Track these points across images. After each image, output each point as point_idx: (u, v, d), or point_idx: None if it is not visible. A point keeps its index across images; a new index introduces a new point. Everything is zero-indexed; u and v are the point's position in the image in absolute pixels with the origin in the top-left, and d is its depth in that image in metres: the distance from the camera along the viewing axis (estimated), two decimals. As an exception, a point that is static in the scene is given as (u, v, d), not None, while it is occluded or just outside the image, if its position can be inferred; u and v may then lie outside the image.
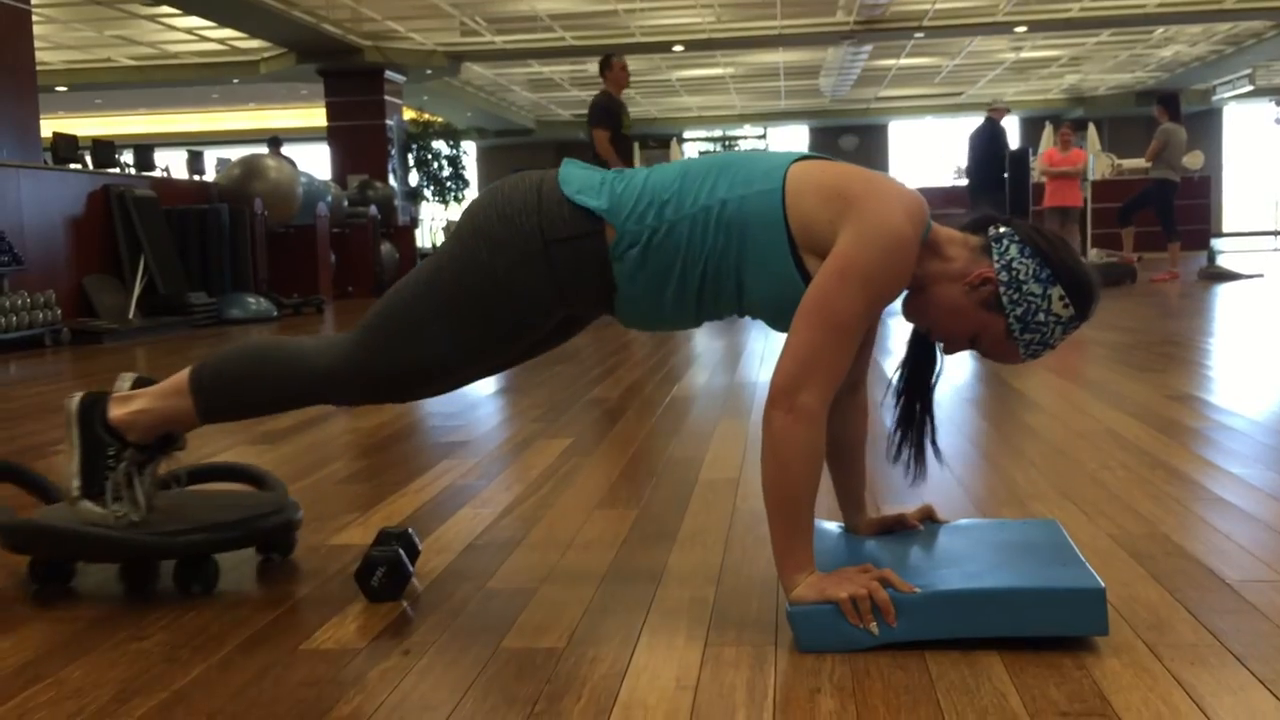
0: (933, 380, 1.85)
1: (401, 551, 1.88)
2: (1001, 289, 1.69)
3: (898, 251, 1.63)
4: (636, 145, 18.68)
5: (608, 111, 7.94)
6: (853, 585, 1.58)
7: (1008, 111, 11.68)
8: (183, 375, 1.92)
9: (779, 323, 1.73)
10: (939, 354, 1.84)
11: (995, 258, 1.71)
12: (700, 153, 21.10)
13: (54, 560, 1.98)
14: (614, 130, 7.88)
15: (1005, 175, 10.89)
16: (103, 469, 1.92)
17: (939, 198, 14.62)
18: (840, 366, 1.63)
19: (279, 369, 1.87)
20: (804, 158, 1.75)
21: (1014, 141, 11.49)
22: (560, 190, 1.75)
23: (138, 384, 1.97)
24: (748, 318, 1.83)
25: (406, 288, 1.81)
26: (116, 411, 1.93)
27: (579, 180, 1.77)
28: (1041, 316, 1.69)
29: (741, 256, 1.69)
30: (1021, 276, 1.69)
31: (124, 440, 1.92)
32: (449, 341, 1.78)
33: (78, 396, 1.94)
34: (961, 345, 1.77)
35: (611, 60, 8.22)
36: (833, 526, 1.97)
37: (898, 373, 1.86)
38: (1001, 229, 1.74)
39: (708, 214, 1.69)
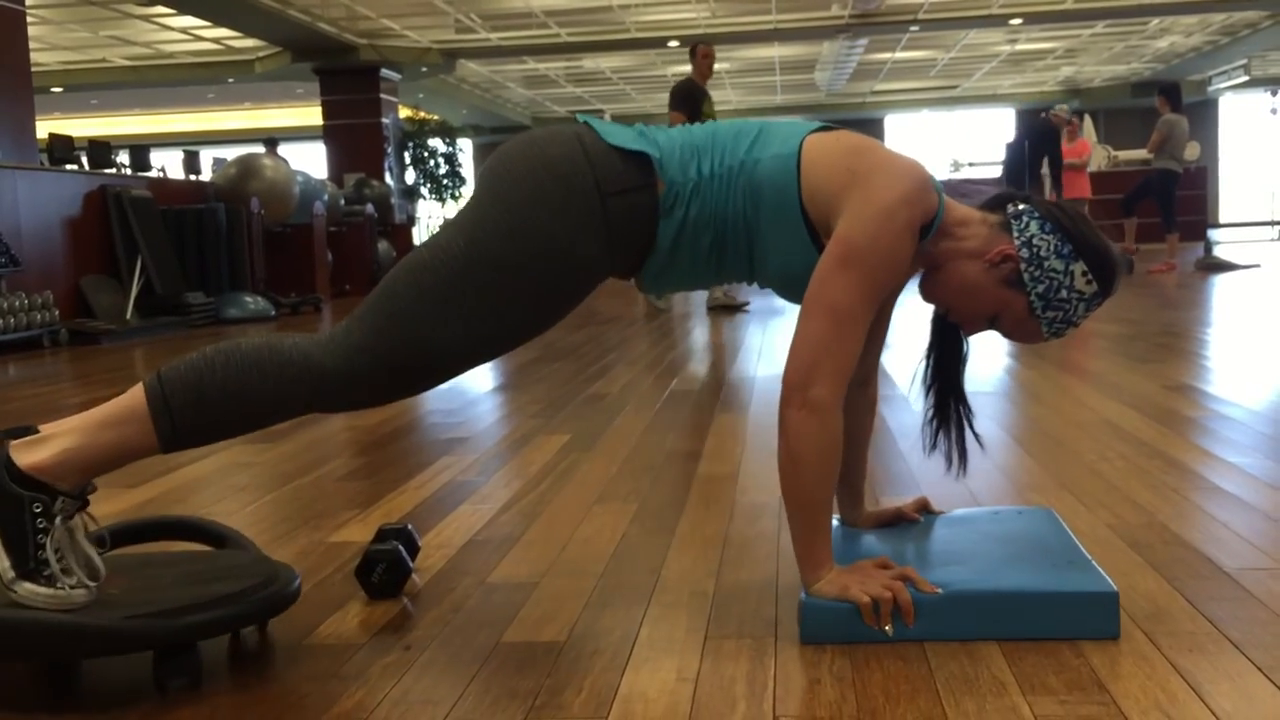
0: (961, 368, 1.82)
1: (401, 548, 1.88)
2: (1023, 265, 1.66)
3: (893, 236, 1.60)
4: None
5: (688, 97, 7.90)
6: (875, 585, 1.57)
7: (1062, 118, 11.81)
8: (131, 400, 1.55)
9: (786, 292, 1.71)
10: (965, 340, 1.81)
11: (1015, 234, 1.68)
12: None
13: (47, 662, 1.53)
14: (690, 116, 7.82)
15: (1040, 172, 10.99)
16: (32, 534, 1.49)
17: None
18: (849, 356, 1.61)
19: (278, 379, 1.57)
20: (824, 128, 1.73)
21: (1010, 134, 11.52)
22: (605, 141, 1.65)
23: (19, 434, 1.55)
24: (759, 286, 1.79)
25: (439, 259, 1.59)
26: (31, 458, 1.51)
27: (619, 131, 1.68)
28: (1064, 293, 1.66)
29: (756, 221, 1.66)
30: (1043, 252, 1.66)
31: (53, 490, 1.51)
32: (498, 315, 1.60)
33: None
34: (982, 325, 1.74)
35: (697, 47, 8.15)
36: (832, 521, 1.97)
37: (924, 363, 1.84)
38: (1021, 205, 1.71)
39: (731, 174, 1.66)
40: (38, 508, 1.49)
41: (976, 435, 1.84)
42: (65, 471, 1.52)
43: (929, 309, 1.79)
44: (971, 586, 1.59)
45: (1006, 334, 1.74)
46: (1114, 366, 4.32)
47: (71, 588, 1.49)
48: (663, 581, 1.89)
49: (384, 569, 1.86)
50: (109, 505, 2.59)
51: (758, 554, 2.03)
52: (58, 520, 1.50)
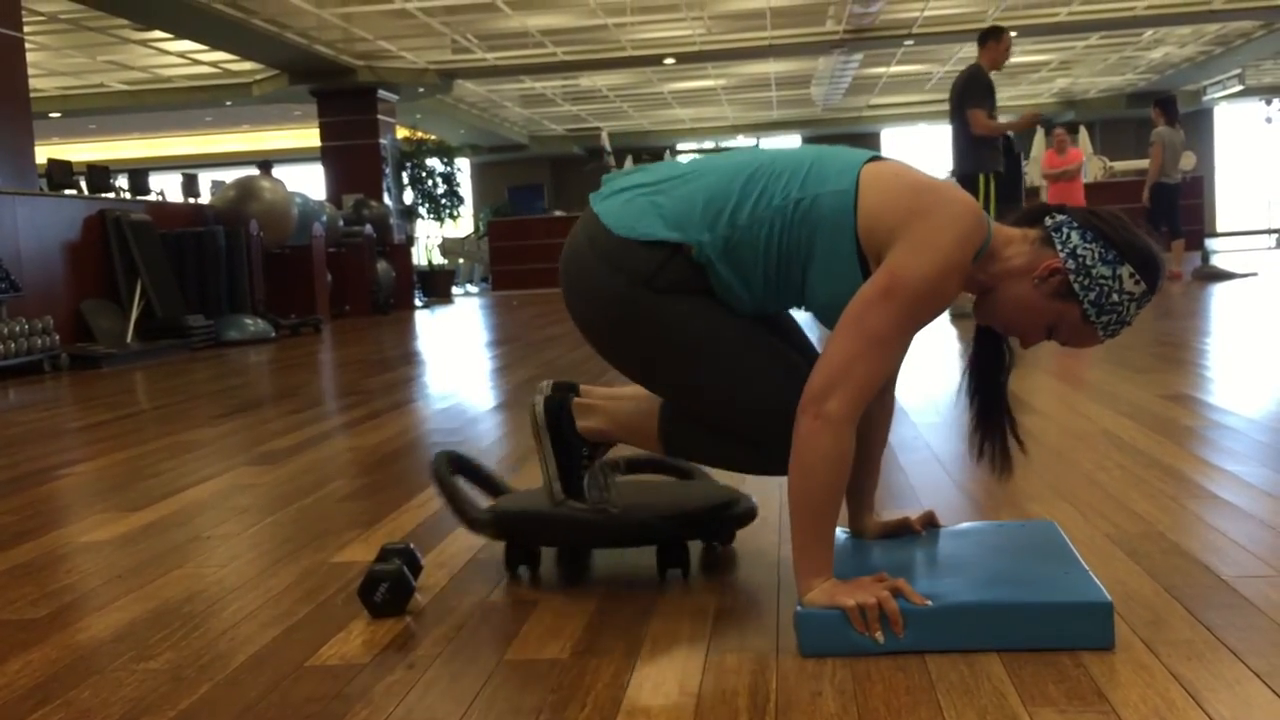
0: (1005, 375, 1.85)
1: (404, 567, 1.89)
2: (1071, 277, 1.70)
3: (945, 276, 1.65)
4: (630, 158, 18.74)
5: (990, 91, 7.41)
6: (864, 594, 1.59)
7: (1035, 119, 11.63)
8: (651, 426, 1.93)
9: (830, 319, 1.74)
10: (1008, 347, 1.84)
11: (1058, 246, 1.71)
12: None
13: (528, 548, 2.09)
14: (989, 108, 7.40)
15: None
16: (578, 469, 2.02)
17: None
18: (875, 380, 1.65)
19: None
20: (875, 158, 1.77)
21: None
22: (617, 236, 1.78)
23: (557, 389, 2.06)
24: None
25: (680, 377, 1.84)
26: (583, 422, 2.01)
27: (625, 215, 1.80)
28: (1115, 297, 1.70)
29: (810, 253, 1.72)
30: (1088, 261, 1.69)
31: (592, 445, 2.02)
32: (742, 380, 1.79)
33: (541, 401, 2.03)
34: (1039, 337, 1.78)
35: (1000, 34, 7.52)
36: (839, 532, 1.98)
37: (966, 373, 1.86)
38: (1058, 217, 1.74)
39: (785, 212, 1.71)
40: (585, 451, 2.02)
41: (1021, 442, 1.86)
42: (598, 436, 2.02)
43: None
44: (966, 598, 1.60)
45: (1064, 342, 1.78)
46: (1112, 376, 4.33)
47: (595, 503, 2.01)
48: (664, 596, 1.90)
49: (387, 588, 1.86)
50: (111, 529, 2.59)
51: (759, 565, 2.04)
52: (597, 464, 2.03)
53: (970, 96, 7.43)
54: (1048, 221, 1.75)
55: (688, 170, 1.83)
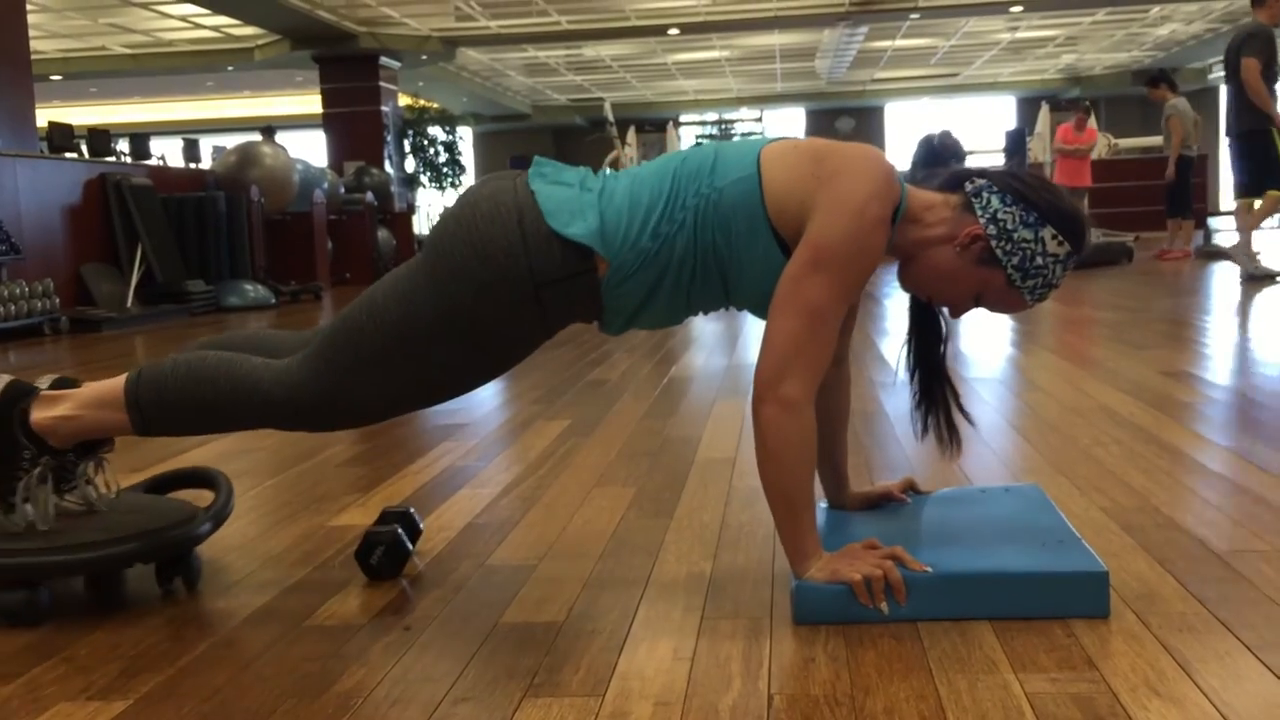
0: (942, 349, 1.84)
1: (400, 530, 1.90)
2: (992, 242, 1.68)
3: (867, 234, 1.61)
4: (632, 129, 18.68)
5: (1266, 41, 7.42)
6: (866, 565, 1.59)
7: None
8: (117, 386, 1.78)
9: (763, 310, 1.71)
10: (943, 321, 1.83)
11: (979, 212, 1.69)
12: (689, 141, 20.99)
13: None
14: (1267, 62, 7.36)
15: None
16: (15, 470, 1.78)
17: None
18: (822, 354, 1.62)
19: (228, 396, 1.72)
20: (773, 140, 1.73)
21: (1011, 122, 11.44)
22: (546, 224, 1.64)
23: (57, 385, 1.83)
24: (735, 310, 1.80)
25: (373, 323, 1.69)
26: (41, 414, 1.79)
27: (565, 209, 1.66)
28: (1040, 260, 1.68)
29: (728, 248, 1.66)
30: (1009, 225, 1.67)
31: (42, 445, 1.79)
32: (426, 378, 1.71)
33: (2, 383, 1.81)
34: (968, 306, 1.75)
35: None
36: (821, 508, 1.98)
37: (905, 348, 1.85)
38: (979, 182, 1.72)
39: (696, 214, 1.66)
40: (27, 454, 1.79)
41: (966, 414, 1.86)
42: (56, 432, 1.79)
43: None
44: (963, 567, 1.61)
45: (991, 308, 1.76)
46: (1112, 353, 4.34)
47: (14, 522, 1.77)
48: (660, 563, 1.91)
49: (383, 551, 1.87)
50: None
51: (754, 537, 2.05)
52: (38, 470, 1.78)
53: (1249, 48, 7.41)
54: (968, 186, 1.72)
55: (624, 183, 1.73)
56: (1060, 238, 1.68)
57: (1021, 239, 1.67)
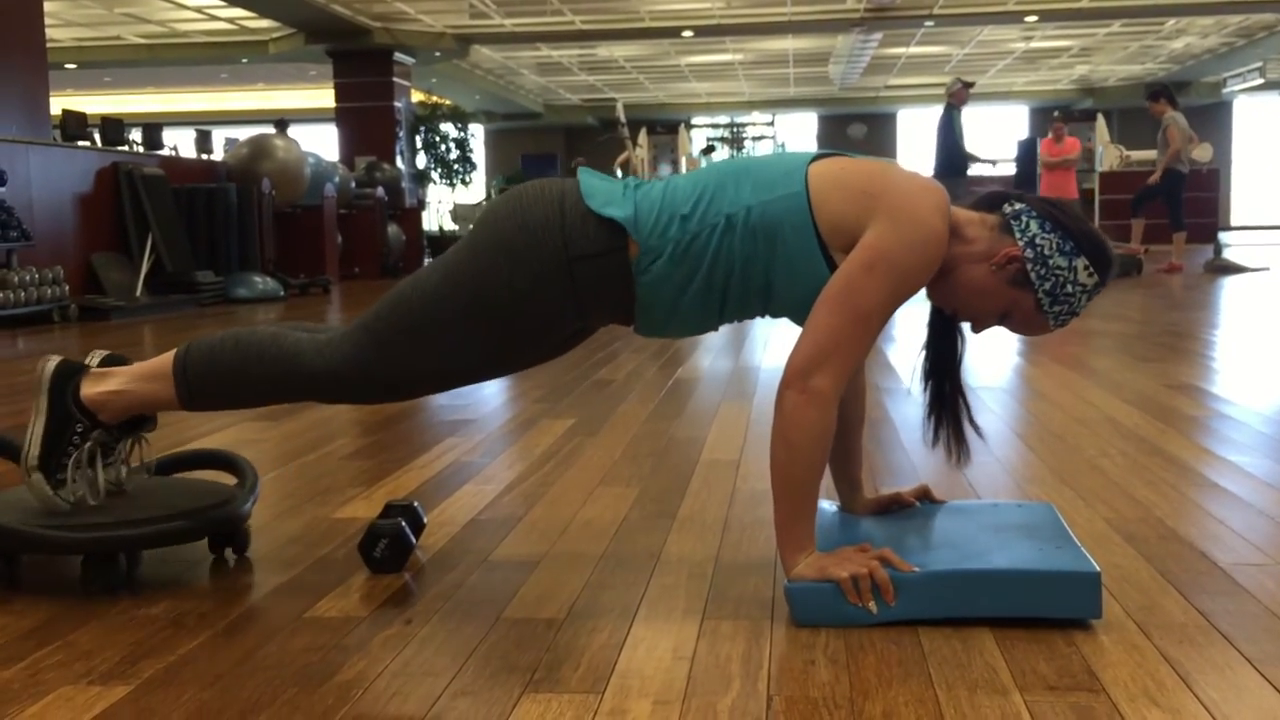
0: (958, 360, 1.86)
1: (404, 524, 1.90)
2: (1028, 265, 1.71)
3: (929, 246, 1.65)
4: (644, 130, 18.67)
5: None
6: (853, 565, 1.60)
7: (966, 92, 11.35)
8: (166, 360, 1.84)
9: (804, 318, 1.73)
10: (960, 333, 1.85)
11: (1018, 234, 1.73)
12: (705, 151, 20.95)
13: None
14: None
15: (967, 165, 10.71)
16: (66, 445, 1.83)
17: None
18: (858, 355, 1.65)
19: (273, 368, 1.79)
20: (818, 156, 1.76)
21: (1023, 131, 11.44)
22: (584, 204, 1.72)
23: (107, 362, 1.89)
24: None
25: (416, 293, 1.75)
26: (90, 389, 1.84)
27: (602, 193, 1.74)
28: (1070, 288, 1.72)
29: (771, 260, 1.70)
30: (1046, 251, 1.71)
31: (94, 420, 1.85)
32: (460, 351, 1.75)
33: (54, 362, 1.86)
34: (990, 323, 1.79)
35: None
36: (829, 506, 1.99)
37: (922, 356, 1.87)
38: (1017, 205, 1.76)
39: (732, 221, 1.69)
40: (79, 428, 1.83)
41: (976, 426, 1.86)
42: (106, 406, 1.84)
43: (927, 304, 1.82)
44: (954, 565, 1.62)
45: (1014, 328, 1.80)
46: (1118, 365, 4.33)
47: (63, 498, 1.82)
48: (662, 563, 1.91)
49: (386, 544, 1.88)
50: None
51: (757, 539, 2.05)
52: (88, 445, 1.84)
53: None
54: (1006, 208, 1.76)
55: (659, 186, 1.79)
56: (1092, 269, 1.72)
57: (1056, 265, 1.71)
